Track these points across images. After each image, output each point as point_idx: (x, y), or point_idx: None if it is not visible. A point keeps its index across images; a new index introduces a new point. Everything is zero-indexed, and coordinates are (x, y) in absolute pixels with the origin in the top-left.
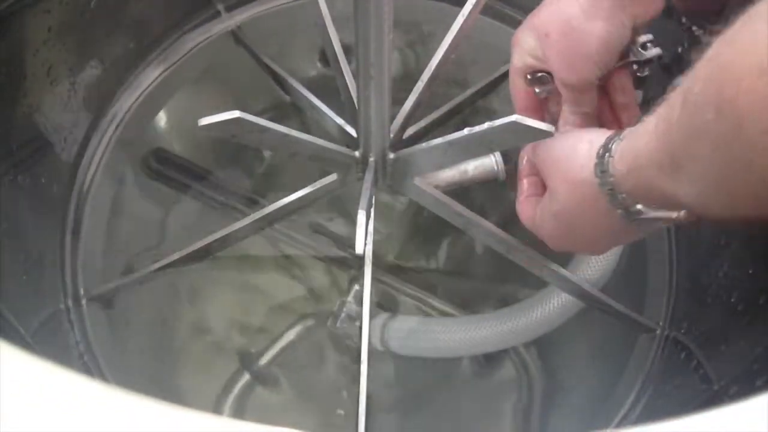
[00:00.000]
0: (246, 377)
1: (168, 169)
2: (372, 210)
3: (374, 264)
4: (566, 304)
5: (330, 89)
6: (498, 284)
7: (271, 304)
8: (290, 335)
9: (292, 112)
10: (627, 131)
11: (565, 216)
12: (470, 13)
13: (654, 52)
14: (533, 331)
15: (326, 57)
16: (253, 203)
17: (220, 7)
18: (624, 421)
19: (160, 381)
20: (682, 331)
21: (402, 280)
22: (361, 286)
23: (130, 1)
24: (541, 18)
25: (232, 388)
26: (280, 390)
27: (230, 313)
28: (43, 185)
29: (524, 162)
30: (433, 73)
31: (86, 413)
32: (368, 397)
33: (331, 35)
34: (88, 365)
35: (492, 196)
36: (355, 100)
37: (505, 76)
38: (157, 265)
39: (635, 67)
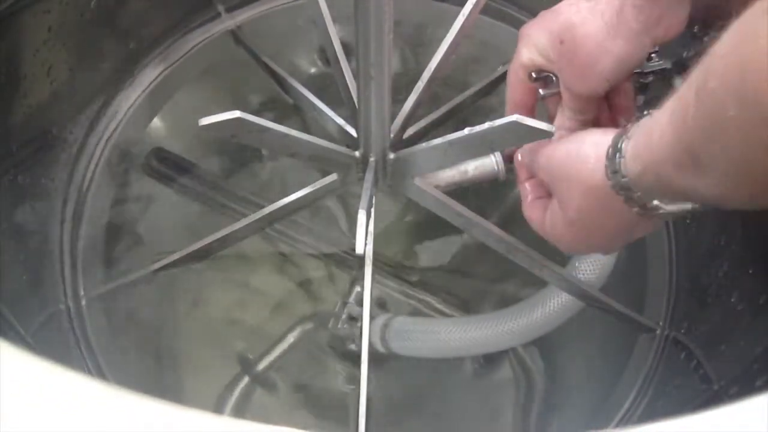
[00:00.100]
0: (246, 380)
1: (168, 169)
2: (372, 210)
3: (374, 264)
4: (566, 304)
5: (330, 89)
6: (498, 284)
7: (271, 304)
8: (290, 338)
9: (292, 112)
10: (632, 129)
11: (581, 223)
12: (470, 12)
13: (659, 64)
14: (533, 332)
15: (326, 56)
16: (253, 203)
17: (220, 7)
18: (624, 421)
19: (160, 381)
20: (682, 331)
21: (402, 280)
22: (362, 287)
23: (130, 1)
24: (559, 22)
25: (233, 389)
26: (279, 392)
27: (230, 313)
28: (43, 185)
29: (521, 165)
30: (433, 73)
31: (86, 413)
32: (368, 398)
33: (331, 35)
34: (88, 365)
35: (492, 196)
36: (355, 100)
37: (506, 76)
38: (157, 265)
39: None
